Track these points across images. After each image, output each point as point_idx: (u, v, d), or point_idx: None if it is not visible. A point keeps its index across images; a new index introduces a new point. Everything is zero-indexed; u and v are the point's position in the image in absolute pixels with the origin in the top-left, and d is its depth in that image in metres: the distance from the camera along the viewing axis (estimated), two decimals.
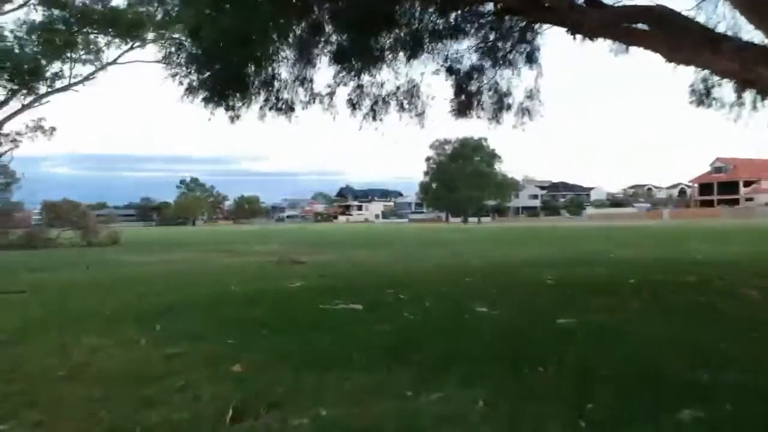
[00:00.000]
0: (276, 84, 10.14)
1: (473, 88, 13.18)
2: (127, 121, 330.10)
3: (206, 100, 9.85)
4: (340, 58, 10.56)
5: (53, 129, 40.44)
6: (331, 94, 10.78)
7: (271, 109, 10.39)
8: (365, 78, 10.90)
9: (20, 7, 37.64)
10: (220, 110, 10.15)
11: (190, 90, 9.70)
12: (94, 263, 18.11)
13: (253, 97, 10.15)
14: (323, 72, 10.64)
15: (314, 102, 10.75)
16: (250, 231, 68.85)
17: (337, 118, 10.98)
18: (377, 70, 11.10)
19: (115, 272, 14.65)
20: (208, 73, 9.44)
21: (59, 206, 35.00)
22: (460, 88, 13.09)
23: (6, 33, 36.57)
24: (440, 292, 9.43)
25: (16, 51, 36.40)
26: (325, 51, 10.42)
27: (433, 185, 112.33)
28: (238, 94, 9.98)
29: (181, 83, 9.98)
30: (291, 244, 30.87)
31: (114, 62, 38.00)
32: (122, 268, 16.19)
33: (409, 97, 11.32)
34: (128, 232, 66.30)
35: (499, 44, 12.98)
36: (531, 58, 13.09)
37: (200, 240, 40.93)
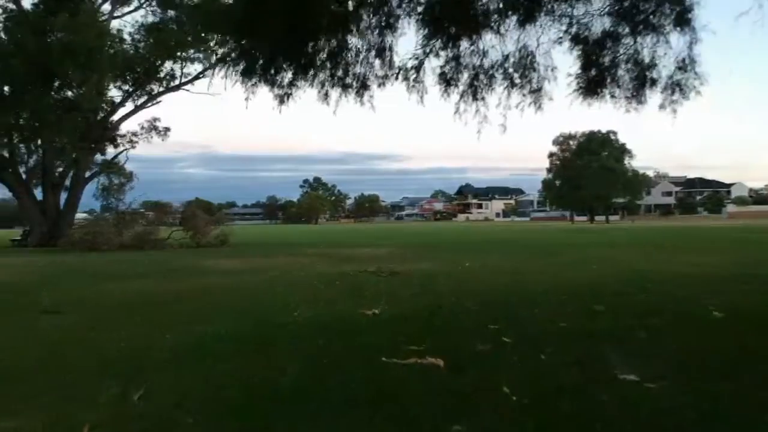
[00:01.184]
0: (344, 54, 7.82)
1: (606, 60, 10.33)
2: (254, 121, 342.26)
3: (245, 74, 7.73)
4: (431, 21, 8.14)
5: (167, 129, 40.60)
6: (418, 68, 8.35)
7: (335, 86, 8.13)
8: (463, 46, 8.40)
9: (136, 9, 38.12)
10: (264, 90, 7.97)
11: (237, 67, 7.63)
12: (173, 271, 16.73)
13: (313, 71, 7.91)
14: (407, 40, 8.28)
15: (396, 78, 8.39)
16: (366, 230, 67.73)
17: (425, 98, 8.55)
18: (479, 37, 8.57)
19: (182, 284, 13.02)
20: (251, 41, 7.35)
21: (168, 207, 34.70)
22: (588, 60, 10.27)
23: (125, 36, 37.27)
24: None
25: (132, 52, 36.74)
26: (411, 12, 8.03)
27: (557, 182, 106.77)
28: (289, 67, 7.80)
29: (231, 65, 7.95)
30: (401, 246, 28.71)
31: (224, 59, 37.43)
32: (195, 277, 14.60)
33: (522, 68, 8.68)
34: (247, 231, 67.43)
35: (640, 4, 10.06)
36: (682, 20, 10.07)
37: (310, 240, 39.73)
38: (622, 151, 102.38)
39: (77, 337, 7.25)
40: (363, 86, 8.23)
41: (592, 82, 10.40)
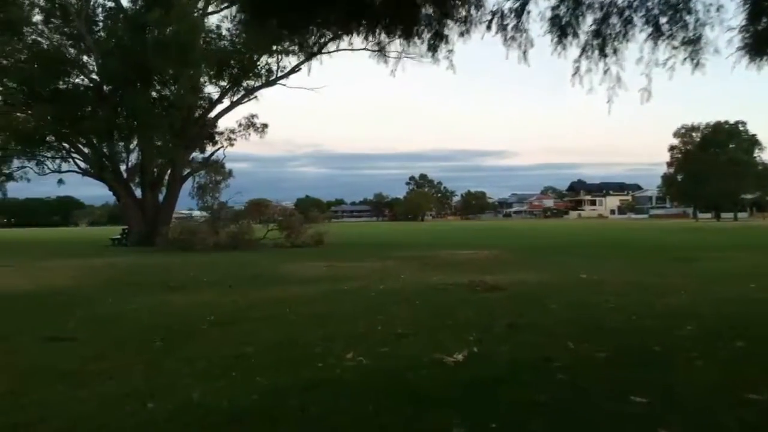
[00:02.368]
0: None
1: None
2: (361, 120, 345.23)
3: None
4: None
5: (264, 126, 39.59)
6: (520, 10, 5.77)
7: (395, 34, 5.69)
8: None
9: (232, 3, 37.20)
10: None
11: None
12: (247, 279, 14.90)
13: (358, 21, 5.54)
14: None
15: (487, 25, 5.86)
16: (471, 227, 64.80)
17: (528, 54, 5.97)
18: None
19: (246, 296, 11.02)
20: None
21: (264, 206, 33.48)
22: (760, 8, 7.36)
23: (224, 32, 36.48)
24: None
25: (229, 48, 35.86)
26: None
27: (679, 177, 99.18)
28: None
29: None
30: (506, 248, 25.89)
31: (320, 52, 35.93)
32: (267, 287, 12.60)
33: (671, 8, 5.95)
34: (349, 229, 66.24)
35: None
36: None
37: (410, 239, 37.46)
38: (753, 142, 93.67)
39: None
40: (437, 36, 5.77)
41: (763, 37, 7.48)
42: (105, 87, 34.15)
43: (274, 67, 36.84)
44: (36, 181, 37.17)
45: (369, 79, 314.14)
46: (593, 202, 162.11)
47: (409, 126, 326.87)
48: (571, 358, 6.03)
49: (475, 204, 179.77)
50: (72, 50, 34.86)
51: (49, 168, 36.41)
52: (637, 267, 16.36)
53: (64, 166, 36.81)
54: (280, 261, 20.49)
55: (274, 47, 35.30)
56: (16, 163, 35.76)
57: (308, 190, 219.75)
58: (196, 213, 40.24)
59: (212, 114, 37.64)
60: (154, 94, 35.15)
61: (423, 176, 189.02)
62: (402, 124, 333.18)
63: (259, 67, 36.79)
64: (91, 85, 35.06)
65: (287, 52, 35.38)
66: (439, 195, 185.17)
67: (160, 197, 36.53)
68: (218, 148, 38.67)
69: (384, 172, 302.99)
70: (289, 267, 18.02)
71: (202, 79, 35.93)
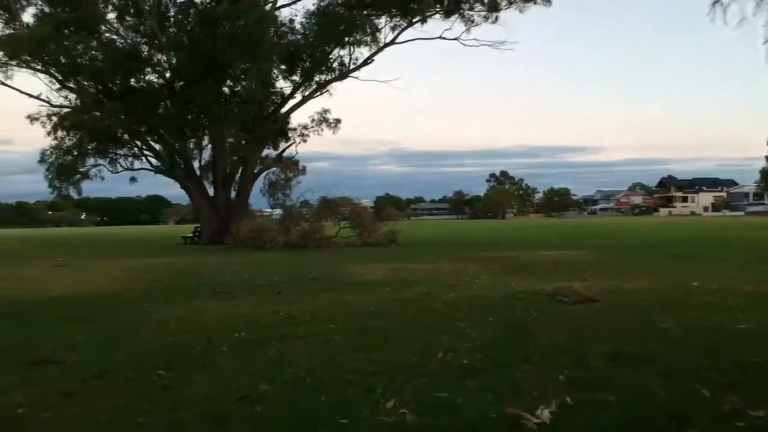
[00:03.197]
0: None
1: None
2: (440, 116, 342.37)
3: None
4: None
5: (338, 121, 38.36)
6: None
7: None
8: None
9: None
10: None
11: None
12: (304, 282, 13.41)
13: None
14: None
15: None
16: (555, 225, 61.79)
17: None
18: None
19: (293, 305, 9.40)
20: None
21: (334, 203, 32.17)
22: None
23: (296, 25, 35.43)
24: None
25: (301, 41, 34.77)
26: None
27: None
28: None
29: None
30: (595, 248, 23.51)
31: (393, 42, 34.37)
32: (320, 293, 11.00)
33: None
34: (427, 227, 64.62)
35: None
36: None
37: (490, 237, 35.29)
38: None
39: None
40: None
41: None
42: (176, 83, 33.64)
43: (347, 60, 35.53)
44: (126, 181, 37.34)
45: (446, 74, 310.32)
46: (684, 199, 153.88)
47: (488, 122, 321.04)
48: (713, 418, 4.11)
49: (558, 201, 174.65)
50: (145, 48, 34.62)
51: (122, 166, 36.42)
52: (753, 272, 13.88)
53: (137, 164, 36.80)
54: (346, 261, 19.02)
55: (347, 38, 34.05)
56: (90, 161, 35.83)
57: (388, 188, 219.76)
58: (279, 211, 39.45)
59: (284, 109, 36.72)
60: (225, 89, 34.45)
61: (504, 173, 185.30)
62: (481, 120, 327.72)
63: (331, 60, 35.53)
64: (163, 81, 34.70)
65: (359, 43, 34.01)
66: (521, 192, 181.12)
67: (233, 195, 35.88)
68: (290, 144, 37.76)
69: (464, 170, 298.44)
70: (352, 269, 16.47)
71: (273, 73, 35.06)
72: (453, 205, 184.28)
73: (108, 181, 37.25)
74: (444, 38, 34.43)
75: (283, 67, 35.83)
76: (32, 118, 34.07)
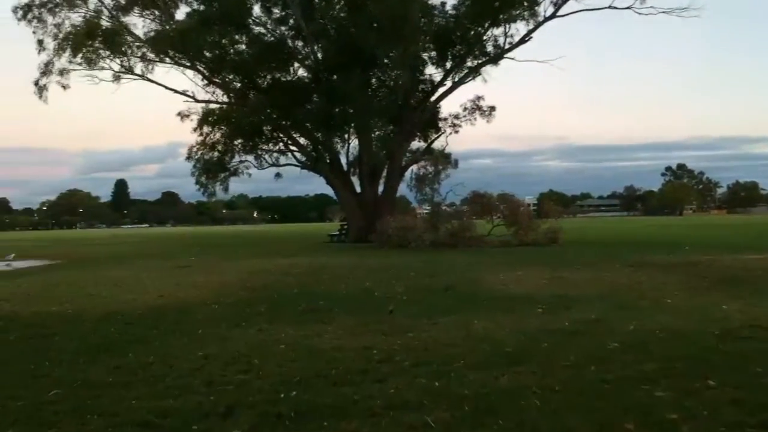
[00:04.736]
0: None
1: None
2: (608, 107, 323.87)
3: None
4: None
5: (492, 109, 34.94)
6: None
7: None
8: None
9: None
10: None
11: None
12: (432, 293, 10.43)
13: None
14: None
15: None
16: (745, 223, 53.78)
17: None
18: None
19: (396, 337, 6.44)
20: None
21: (487, 198, 28.90)
22: None
23: (447, 8, 32.57)
24: None
25: (452, 23, 31.81)
26: None
27: None
28: None
29: None
30: None
31: (554, 15, 30.29)
32: (440, 318, 7.95)
33: None
34: (594, 225, 59.11)
35: None
36: None
37: (668, 238, 30.17)
38: None
39: None
40: None
41: None
42: (321, 74, 32.00)
43: (501, 40, 32.01)
44: (297, 181, 36.76)
45: (615, 53, 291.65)
46: None
47: (663, 110, 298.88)
48: None
49: (744, 196, 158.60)
50: (290, 41, 33.33)
51: (267, 162, 35.48)
52: None
53: (282, 160, 35.70)
54: (494, 265, 15.86)
55: (502, 15, 30.59)
56: (236, 158, 35.22)
57: (552, 184, 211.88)
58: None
59: (433, 98, 33.93)
60: (371, 79, 32.33)
61: (681, 166, 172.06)
62: (655, 108, 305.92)
63: (485, 41, 32.22)
64: (308, 73, 33.27)
65: (515, 19, 30.39)
66: (700, 186, 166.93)
67: (381, 190, 33.70)
68: (439, 135, 34.90)
69: (635, 164, 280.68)
70: (500, 276, 13.26)
71: (422, 59, 32.45)
72: (623, 202, 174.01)
73: (280, 180, 36.53)
74: (614, 7, 29.73)
75: (433, 53, 33.21)
76: (183, 116, 34.01)
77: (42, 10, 29.81)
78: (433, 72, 34.19)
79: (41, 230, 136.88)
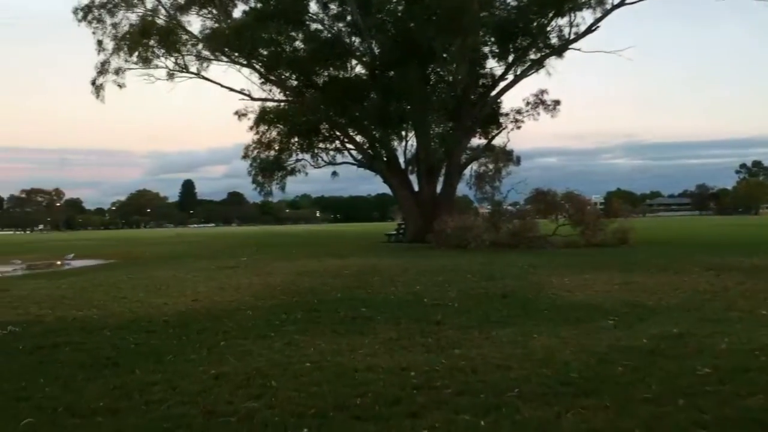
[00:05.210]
0: None
1: None
2: (679, 101, 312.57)
3: None
4: None
5: (556, 103, 33.40)
6: None
7: None
8: None
9: None
10: None
11: None
12: (484, 304, 9.36)
13: None
14: None
15: None
16: None
17: None
18: None
19: (417, 367, 5.39)
20: None
21: (551, 197, 27.48)
22: None
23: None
24: None
25: (513, 14, 30.49)
26: None
27: None
28: None
29: None
30: None
31: (622, 3, 28.55)
32: (493, 330, 6.87)
33: None
34: (665, 224, 56.39)
35: None
36: None
37: (746, 237, 28.04)
38: None
39: None
40: None
41: None
42: (377, 70, 31.18)
43: (567, 30, 30.47)
44: (360, 181, 36.24)
45: (688, 42, 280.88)
46: None
47: (736, 106, 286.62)
48: None
49: None
50: (346, 37, 32.62)
51: (323, 160, 34.86)
52: None
53: (339, 158, 35.03)
54: (558, 268, 14.63)
55: (567, 5, 29.06)
56: (292, 157, 34.70)
57: (620, 182, 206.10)
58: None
59: (494, 92, 32.60)
60: (428, 74, 31.30)
61: (757, 163, 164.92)
62: (728, 105, 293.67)
63: (548, 32, 30.75)
64: (364, 69, 32.50)
65: (581, 6, 28.82)
66: None
67: (439, 189, 32.61)
68: (500, 131, 33.55)
69: (708, 161, 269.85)
70: (564, 280, 12.09)
71: (482, 52, 31.22)
72: (695, 200, 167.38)
73: (343, 180, 36.19)
74: None
75: (495, 48, 31.95)
76: (240, 115, 33.74)
77: (101, 10, 30.01)
78: (493, 66, 33.00)
79: (111, 230, 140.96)
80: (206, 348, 6.54)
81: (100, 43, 30.11)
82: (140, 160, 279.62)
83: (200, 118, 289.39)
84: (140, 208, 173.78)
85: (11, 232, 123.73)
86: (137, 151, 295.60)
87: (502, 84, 32.19)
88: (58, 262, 22.29)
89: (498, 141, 33.99)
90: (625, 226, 26.09)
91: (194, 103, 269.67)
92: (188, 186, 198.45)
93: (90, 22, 30.02)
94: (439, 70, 31.36)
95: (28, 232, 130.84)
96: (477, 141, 34.35)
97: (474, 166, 32.75)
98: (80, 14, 29.84)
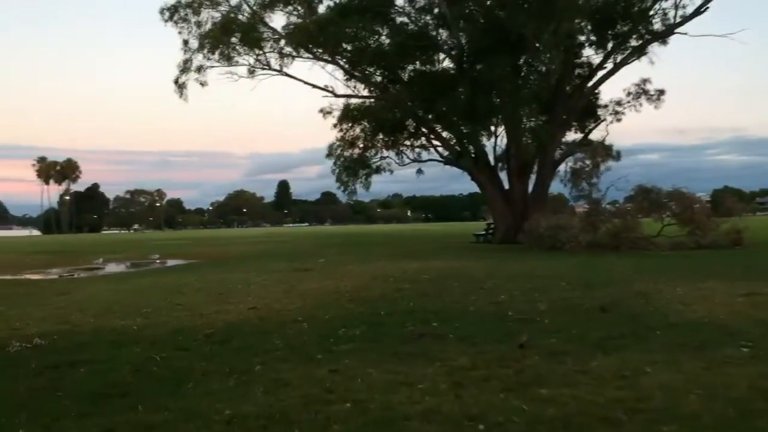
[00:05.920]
0: None
1: None
2: None
3: None
4: None
5: (660, 93, 30.87)
6: None
7: None
8: None
9: None
10: None
11: None
12: (578, 322, 7.83)
13: None
14: None
15: None
16: None
17: None
18: None
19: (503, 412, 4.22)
20: None
21: (655, 194, 25.18)
22: None
23: None
24: None
25: None
26: None
27: None
28: None
29: None
30: None
31: None
32: (588, 365, 5.39)
33: None
34: None
35: None
36: None
37: None
38: None
39: None
40: None
41: None
42: (464, 61, 29.69)
43: (672, 14, 27.96)
44: (451, 179, 35.12)
45: None
46: None
47: None
48: None
49: None
50: (433, 30, 31.30)
51: (408, 158, 33.64)
52: None
53: (424, 155, 33.73)
54: (667, 273, 12.83)
55: None
56: (376, 154, 33.67)
57: (728, 180, 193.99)
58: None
59: (591, 83, 30.42)
60: (519, 64, 29.52)
61: None
62: None
63: (651, 16, 28.35)
64: (451, 62, 31.07)
65: None
66: None
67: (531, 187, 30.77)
68: (598, 123, 31.32)
69: None
70: (676, 290, 10.28)
71: (578, 40, 29.19)
72: None
73: (433, 179, 35.18)
74: None
75: (592, 36, 29.85)
76: (324, 113, 33.04)
77: (187, 10, 29.96)
78: (590, 54, 30.87)
79: (209, 229, 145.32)
80: (236, 374, 5.45)
81: (186, 42, 30.12)
82: (240, 161, 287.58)
83: (296, 120, 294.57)
84: (237, 208, 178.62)
85: (116, 231, 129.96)
86: (237, 153, 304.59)
87: (600, 73, 29.99)
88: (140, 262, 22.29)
89: (595, 135, 31.79)
90: (739, 226, 23.52)
91: (290, 104, 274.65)
92: (283, 186, 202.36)
93: (176, 22, 30.03)
94: (530, 60, 29.49)
95: (132, 231, 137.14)
96: (572, 135, 32.35)
97: (569, 162, 30.63)
98: (166, 14, 29.91)
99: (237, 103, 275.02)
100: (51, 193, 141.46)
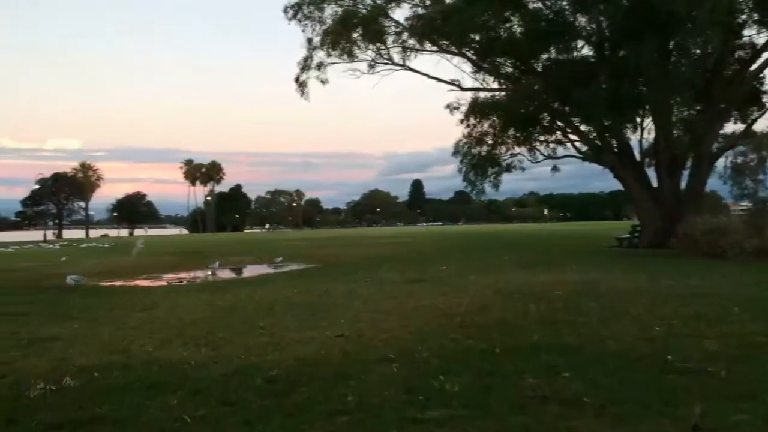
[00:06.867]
0: None
1: None
2: None
3: None
4: None
5: None
6: None
7: None
8: None
9: None
10: None
11: None
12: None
13: None
14: None
15: None
16: None
17: None
18: None
19: None
20: None
21: None
22: None
23: None
24: None
25: None
26: None
27: None
28: None
29: None
30: None
31: None
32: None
33: None
34: None
35: None
36: None
37: None
38: None
39: None
40: None
41: None
42: (605, 47, 26.83)
43: None
44: (592, 177, 32.77)
45: None
46: None
47: None
48: None
49: None
50: (570, 15, 28.64)
51: (542, 154, 31.10)
52: None
53: (560, 151, 31.04)
54: None
55: None
56: (506, 151, 31.40)
57: None
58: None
59: (754, 66, 26.54)
60: (669, 47, 26.25)
61: None
62: None
63: None
64: (590, 49, 28.25)
65: None
66: None
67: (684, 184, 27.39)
68: (763, 113, 27.32)
69: None
70: None
71: (739, 19, 25.51)
72: None
73: (571, 176, 32.75)
74: None
75: (755, 14, 26.02)
76: (452, 108, 31.26)
77: (311, 7, 29.26)
78: (753, 34, 26.96)
79: (347, 228, 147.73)
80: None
81: (310, 41, 29.45)
82: (376, 162, 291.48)
83: (430, 120, 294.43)
84: (372, 207, 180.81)
85: (258, 230, 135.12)
86: (374, 153, 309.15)
87: (765, 55, 26.10)
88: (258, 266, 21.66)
89: (760, 125, 27.83)
90: None
91: (424, 104, 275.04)
92: (417, 186, 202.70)
93: (300, 21, 29.42)
94: (682, 42, 26.10)
95: (266, 230, 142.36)
96: (732, 126, 28.53)
97: (729, 156, 26.88)
98: (290, 12, 29.38)
99: (373, 104, 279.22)
100: (197, 194, 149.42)
